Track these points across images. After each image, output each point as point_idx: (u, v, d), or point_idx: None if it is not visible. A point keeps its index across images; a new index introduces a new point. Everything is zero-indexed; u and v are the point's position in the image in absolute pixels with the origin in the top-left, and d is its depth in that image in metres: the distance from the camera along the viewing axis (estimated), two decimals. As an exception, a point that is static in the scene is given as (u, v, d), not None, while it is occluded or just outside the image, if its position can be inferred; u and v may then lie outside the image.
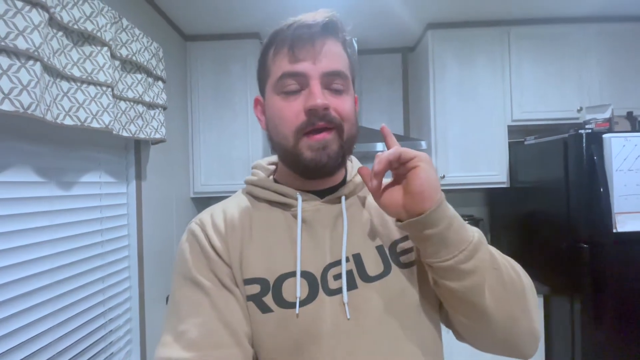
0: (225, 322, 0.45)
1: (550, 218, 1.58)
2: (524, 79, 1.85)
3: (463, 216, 1.77)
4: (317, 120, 0.46)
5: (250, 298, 0.47)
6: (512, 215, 1.91)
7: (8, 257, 0.87)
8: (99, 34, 1.04)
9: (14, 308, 0.87)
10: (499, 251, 0.50)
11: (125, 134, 1.21)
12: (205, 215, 0.54)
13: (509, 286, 0.46)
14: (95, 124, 1.03)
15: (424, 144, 1.78)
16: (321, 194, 0.54)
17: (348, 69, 0.51)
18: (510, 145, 1.87)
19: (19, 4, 0.79)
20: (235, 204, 0.56)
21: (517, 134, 1.96)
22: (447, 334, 0.54)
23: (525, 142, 1.79)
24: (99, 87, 1.05)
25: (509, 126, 1.87)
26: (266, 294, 0.47)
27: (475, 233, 0.45)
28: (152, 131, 1.35)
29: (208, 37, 1.92)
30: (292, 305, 0.46)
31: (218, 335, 0.44)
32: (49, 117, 0.89)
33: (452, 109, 1.88)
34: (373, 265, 0.51)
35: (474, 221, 1.87)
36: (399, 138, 1.78)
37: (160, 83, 1.41)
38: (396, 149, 0.43)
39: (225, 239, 0.50)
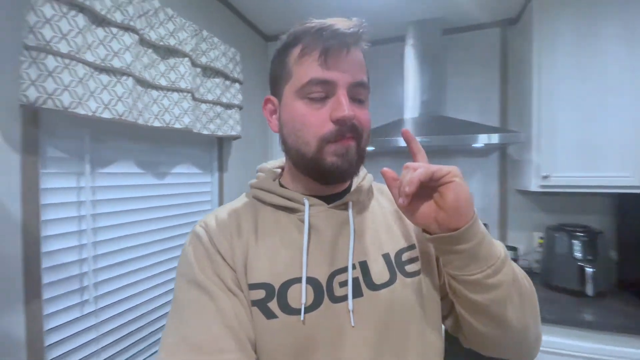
0: (229, 327, 0.45)
1: None
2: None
3: (575, 226, 1.45)
4: (347, 131, 0.47)
5: (255, 303, 0.47)
6: (651, 231, 1.43)
7: (113, 232, 1.12)
8: (180, 47, 1.20)
9: (117, 272, 1.12)
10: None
11: (205, 132, 1.39)
12: (210, 218, 0.54)
13: (525, 296, 0.48)
14: (177, 125, 1.22)
15: (521, 136, 1.48)
16: (328, 199, 0.54)
17: (367, 80, 0.52)
18: (654, 138, 1.39)
19: (114, 30, 0.98)
20: (241, 208, 0.56)
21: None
22: None
23: (679, 134, 1.30)
24: (180, 93, 1.23)
25: (653, 113, 1.39)
26: (271, 299, 0.47)
27: (501, 248, 0.46)
28: (229, 129, 1.51)
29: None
30: (297, 312, 0.46)
31: (222, 340, 0.43)
32: (140, 121, 1.09)
33: (563, 93, 1.51)
34: (379, 273, 0.51)
35: (590, 234, 1.48)
36: (493, 130, 1.53)
37: (237, 85, 1.56)
38: (427, 168, 0.42)
39: (230, 242, 0.50)
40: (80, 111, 0.89)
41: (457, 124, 1.69)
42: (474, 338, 0.53)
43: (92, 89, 0.93)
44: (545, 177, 1.53)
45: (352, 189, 0.57)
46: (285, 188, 0.56)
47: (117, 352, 1.12)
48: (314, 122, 0.48)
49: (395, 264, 0.52)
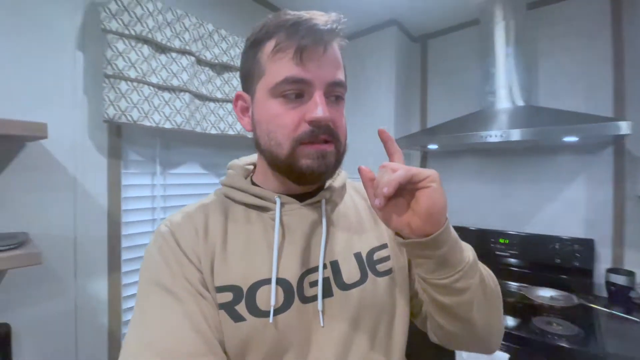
0: (198, 330, 0.42)
1: None
2: None
3: None
4: (321, 133, 0.45)
5: (222, 306, 0.45)
6: None
7: (179, 223, 1.33)
8: (232, 63, 1.36)
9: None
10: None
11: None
12: (176, 217, 0.51)
13: (490, 296, 0.48)
14: (230, 132, 1.38)
15: (624, 125, 1.12)
16: (301, 197, 0.53)
17: (345, 78, 0.51)
18: None
19: (174, 55, 1.18)
20: (210, 206, 0.53)
21: None
22: None
23: None
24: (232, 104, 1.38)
25: None
26: (239, 302, 0.45)
27: (470, 252, 0.46)
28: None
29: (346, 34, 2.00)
30: (266, 314, 0.44)
31: (191, 344, 0.41)
32: (198, 129, 1.28)
33: None
34: (350, 273, 0.50)
35: None
36: (600, 119, 1.20)
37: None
38: (407, 171, 0.40)
39: (196, 243, 0.48)
40: (146, 123, 1.11)
41: (548, 114, 1.39)
42: (441, 335, 0.53)
43: (156, 105, 1.14)
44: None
45: (326, 186, 0.55)
46: (257, 186, 0.54)
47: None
48: (288, 123, 0.45)
49: (366, 263, 0.52)
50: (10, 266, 0.71)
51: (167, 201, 1.30)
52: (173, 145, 1.32)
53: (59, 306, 0.99)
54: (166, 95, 1.17)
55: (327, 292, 0.48)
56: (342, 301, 0.48)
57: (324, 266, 0.49)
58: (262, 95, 0.47)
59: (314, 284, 0.48)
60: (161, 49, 1.15)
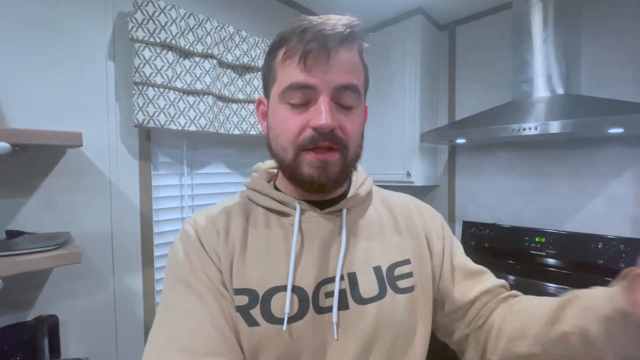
0: (219, 328, 0.43)
1: None
2: None
3: None
4: (322, 140, 0.45)
5: (237, 309, 0.45)
6: None
7: (207, 220, 1.39)
8: (253, 64, 1.38)
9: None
10: None
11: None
12: (200, 216, 0.53)
13: None
14: (252, 132, 1.40)
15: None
16: (323, 204, 0.52)
17: (362, 81, 0.49)
18: None
19: (197, 59, 1.22)
20: (233, 208, 0.54)
21: None
22: None
23: None
24: (254, 104, 1.40)
25: None
26: (254, 306, 0.45)
27: None
28: (305, 130, 1.62)
29: (368, 29, 1.95)
30: (279, 321, 0.44)
31: (212, 342, 0.42)
32: (222, 131, 1.31)
33: None
34: (368, 287, 0.48)
35: None
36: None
37: (313, 88, 1.64)
38: None
39: (218, 243, 0.49)
40: (172, 127, 1.16)
41: (590, 104, 1.28)
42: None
43: (182, 109, 1.19)
44: None
45: (349, 194, 0.54)
46: (280, 191, 0.54)
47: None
48: (293, 127, 0.46)
49: (386, 279, 0.49)
50: (53, 265, 0.78)
51: (194, 200, 1.36)
52: (199, 146, 1.38)
53: (100, 299, 1.08)
54: (190, 99, 1.21)
55: (343, 305, 0.46)
56: (358, 315, 0.46)
57: (341, 277, 0.47)
58: (274, 101, 0.49)
59: (329, 294, 0.46)
60: (185, 54, 1.19)
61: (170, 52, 1.15)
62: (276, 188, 0.56)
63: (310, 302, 0.46)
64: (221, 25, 1.29)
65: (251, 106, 1.40)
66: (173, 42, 1.14)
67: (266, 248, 0.49)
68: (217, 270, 0.47)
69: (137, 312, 1.17)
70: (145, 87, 1.10)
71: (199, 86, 1.22)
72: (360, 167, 0.58)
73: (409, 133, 1.76)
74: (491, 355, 0.51)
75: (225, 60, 1.31)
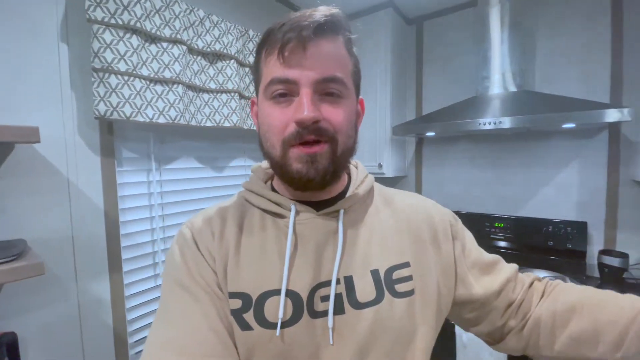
0: (215, 331, 0.43)
1: None
2: None
3: None
4: (306, 134, 0.44)
5: (231, 313, 0.45)
6: None
7: (179, 218, 1.31)
8: (225, 51, 1.30)
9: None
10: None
11: (255, 127, 1.48)
12: (197, 219, 0.52)
13: None
14: (226, 124, 1.33)
15: (626, 112, 1.12)
16: (319, 205, 0.51)
17: (348, 72, 0.47)
18: None
19: (165, 44, 1.12)
20: (229, 209, 0.53)
21: None
22: None
23: None
24: (228, 94, 1.33)
25: None
26: (247, 310, 0.45)
27: None
28: (279, 122, 1.57)
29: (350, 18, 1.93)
30: (273, 326, 0.44)
31: (208, 343, 0.42)
32: (193, 123, 1.23)
33: None
34: (364, 291, 0.46)
35: None
36: (596, 105, 1.21)
37: (287, 78, 1.60)
38: None
39: (212, 245, 0.49)
40: (140, 119, 1.06)
41: (543, 100, 1.39)
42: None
43: (149, 99, 1.09)
44: (672, 165, 1.14)
45: (348, 194, 0.52)
46: (276, 192, 0.53)
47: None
48: (278, 124, 0.45)
49: (384, 282, 0.48)
50: (12, 279, 0.68)
51: (164, 197, 1.27)
52: (167, 139, 1.28)
53: (63, 310, 0.97)
54: (158, 88, 1.11)
55: (339, 309, 0.45)
56: (354, 320, 0.45)
57: (337, 281, 0.46)
58: (261, 99, 0.48)
59: (325, 298, 0.45)
60: (151, 38, 1.09)
61: (134, 35, 1.04)
62: (273, 189, 0.55)
63: (304, 306, 0.45)
64: (190, 8, 1.19)
65: (224, 96, 1.32)
66: (138, 24, 1.03)
67: (260, 251, 0.48)
68: (212, 272, 0.47)
69: (105, 321, 1.08)
70: (106, 75, 0.99)
71: (167, 74, 1.12)
72: (361, 164, 0.58)
73: (380, 125, 1.79)
74: (544, 350, 0.52)
75: (196, 47, 1.22)
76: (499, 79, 1.55)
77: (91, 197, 1.04)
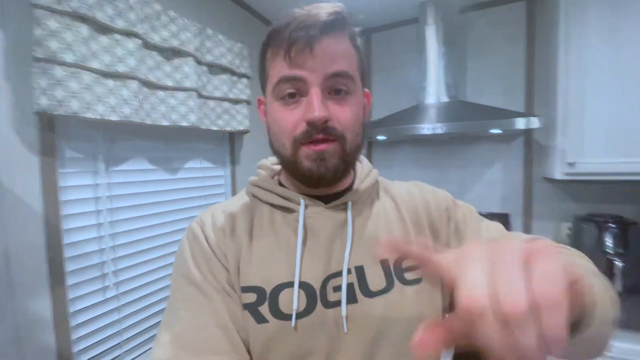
0: (224, 328, 0.44)
1: None
2: None
3: (605, 216, 1.33)
4: (316, 133, 0.45)
5: (245, 307, 0.46)
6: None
7: (130, 224, 1.21)
8: (183, 48, 1.25)
9: (135, 260, 1.22)
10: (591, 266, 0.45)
11: (214, 127, 1.44)
12: (207, 215, 0.53)
13: (613, 311, 0.40)
14: (183, 123, 1.28)
15: (536, 120, 1.36)
16: (327, 199, 0.52)
17: (355, 66, 0.48)
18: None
19: (118, 37, 1.04)
20: (237, 205, 0.55)
21: None
22: None
23: None
24: (186, 92, 1.28)
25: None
26: (262, 303, 0.46)
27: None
28: (237, 124, 1.55)
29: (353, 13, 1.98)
30: (288, 317, 0.45)
31: (216, 341, 0.43)
32: (148, 121, 1.15)
33: (593, 71, 1.36)
34: (375, 280, 0.48)
35: (622, 224, 1.35)
36: (515, 114, 1.42)
37: (244, 80, 1.59)
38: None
39: (224, 242, 0.49)
40: (89, 115, 0.97)
41: (474, 109, 1.60)
42: None
43: (99, 94, 1.00)
44: (571, 164, 1.41)
45: (354, 187, 0.54)
46: (284, 187, 0.55)
47: (138, 332, 1.23)
48: (288, 124, 0.46)
49: (393, 271, 0.49)
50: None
51: (113, 202, 1.16)
52: (118, 138, 1.18)
53: (-6, 334, 0.84)
54: (110, 82, 1.03)
55: (351, 298, 0.46)
56: (367, 309, 0.46)
57: (349, 271, 0.47)
58: (269, 98, 0.49)
59: (337, 288, 0.46)
60: (102, 29, 1.00)
61: (84, 24, 0.95)
62: (280, 184, 0.56)
63: (318, 297, 0.46)
64: (145, 0, 1.12)
65: (181, 94, 1.26)
66: (88, 13, 0.94)
67: (272, 245, 0.49)
68: (223, 268, 0.48)
69: (46, 343, 0.95)
70: (50, 66, 0.88)
71: (121, 68, 1.04)
72: (365, 159, 0.61)
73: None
74: None
75: (151, 41, 1.15)
76: (436, 90, 1.74)
77: (29, 202, 0.92)
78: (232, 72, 1.51)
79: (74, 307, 1.03)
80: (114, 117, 1.03)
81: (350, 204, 0.52)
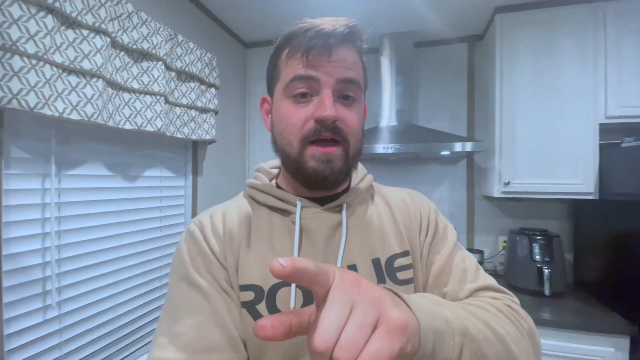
0: (222, 326, 0.45)
1: (650, 242, 1.24)
2: (626, 65, 1.47)
3: (535, 230, 1.54)
4: (325, 131, 0.46)
5: (243, 305, 0.47)
6: (600, 235, 1.54)
7: (80, 235, 1.10)
8: (154, 51, 1.21)
9: (84, 275, 1.10)
10: (480, 312, 0.42)
11: (179, 135, 1.39)
12: (205, 216, 0.54)
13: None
14: (149, 128, 1.22)
15: (483, 144, 1.56)
16: (323, 201, 0.54)
17: (361, 78, 0.51)
18: (602, 147, 1.51)
19: (85, 32, 0.98)
20: (235, 207, 0.55)
21: (613, 134, 1.57)
22: None
23: (622, 145, 1.42)
24: (153, 97, 1.23)
25: (600, 124, 1.51)
26: (260, 302, 0.46)
27: (455, 341, 0.35)
28: (203, 133, 1.52)
29: (266, 42, 2.04)
30: None
31: (214, 339, 0.44)
32: (111, 123, 1.08)
33: (523, 104, 1.62)
34: (367, 279, 0.49)
35: (547, 237, 1.58)
36: (459, 139, 1.61)
37: (212, 89, 1.57)
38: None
39: (223, 242, 0.50)
40: (47, 112, 0.89)
41: (427, 133, 1.77)
42: None
43: (60, 90, 0.92)
44: (507, 184, 1.62)
45: (349, 190, 0.56)
46: (281, 189, 0.56)
47: (82, 359, 1.09)
48: (296, 121, 0.47)
49: (385, 270, 0.51)
50: None
51: (63, 210, 1.05)
52: (74, 140, 1.08)
53: None
54: (73, 79, 0.96)
55: None
56: None
57: None
58: (278, 97, 0.51)
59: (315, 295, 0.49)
60: (69, 22, 0.94)
61: (50, 15, 0.88)
62: (278, 186, 0.58)
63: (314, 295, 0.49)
64: (117, -1, 1.08)
65: (148, 99, 1.21)
66: (56, 4, 0.88)
67: (270, 245, 0.51)
68: (222, 268, 0.49)
69: (-29, 372, 0.80)
70: (8, 55, 0.80)
71: (86, 65, 0.97)
72: (360, 164, 0.62)
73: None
74: None
75: (120, 41, 1.10)
76: (390, 115, 1.90)
77: (-37, 205, 0.80)
78: (201, 81, 1.49)
79: (8, 329, 0.89)
80: (74, 116, 0.95)
81: (345, 206, 0.54)
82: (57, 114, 0.91)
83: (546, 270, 1.50)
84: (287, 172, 0.54)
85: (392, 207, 0.58)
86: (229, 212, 0.54)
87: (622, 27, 1.47)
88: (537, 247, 1.58)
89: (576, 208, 1.75)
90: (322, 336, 0.25)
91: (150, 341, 1.37)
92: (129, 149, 1.29)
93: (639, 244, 1.29)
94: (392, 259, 0.52)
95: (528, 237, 1.61)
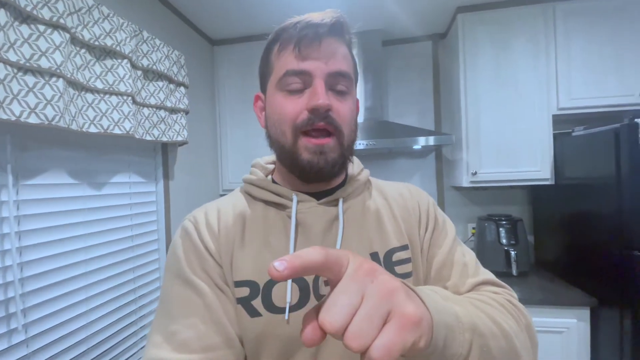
0: (217, 323, 0.45)
1: (600, 220, 1.38)
2: (574, 62, 1.62)
3: (500, 216, 1.65)
4: (318, 120, 0.46)
5: (239, 301, 0.47)
6: (557, 216, 1.69)
7: (45, 250, 1.00)
8: (118, 48, 1.13)
9: (51, 294, 1.00)
10: (485, 307, 0.42)
11: (148, 137, 1.31)
12: (199, 213, 0.53)
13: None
14: (117, 131, 1.14)
15: (452, 138, 1.65)
16: (319, 195, 0.53)
17: (352, 71, 0.51)
18: (556, 137, 1.65)
19: (41, 28, 0.89)
20: (231, 203, 0.55)
21: (565, 124, 1.73)
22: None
23: (573, 134, 1.57)
24: (120, 97, 1.15)
25: (554, 116, 1.65)
26: (255, 297, 0.46)
27: (465, 336, 0.34)
28: (174, 134, 1.45)
29: (234, 40, 1.98)
30: (281, 311, 0.45)
31: (210, 337, 0.43)
32: (74, 127, 1.00)
33: (485, 99, 1.72)
34: None
35: (512, 222, 1.71)
36: (429, 133, 1.68)
37: (182, 88, 1.50)
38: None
39: (217, 239, 0.50)
40: (2, 115, 0.80)
41: (398, 128, 1.82)
42: None
43: (16, 91, 0.83)
44: (474, 174, 1.72)
45: (346, 184, 0.56)
46: (277, 184, 0.55)
47: (53, 384, 1.00)
48: (290, 111, 0.47)
49: (383, 264, 0.50)
50: None
51: (22, 224, 0.95)
52: (31, 146, 0.98)
53: None
54: (30, 79, 0.87)
55: None
56: None
57: None
58: (271, 91, 0.51)
59: (328, 282, 0.48)
60: (24, 17, 0.85)
61: (2, 10, 0.79)
62: (274, 182, 0.57)
63: (311, 290, 0.47)
64: (76, -9, 0.99)
65: (114, 99, 1.13)
66: (7, -5, 0.79)
67: (265, 240, 0.51)
68: (216, 265, 0.48)
69: None
70: (-48, 51, 0.71)
71: (44, 64, 0.89)
72: (356, 159, 0.63)
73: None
74: None
75: (80, 37, 1.01)
76: (361, 112, 1.93)
77: None
78: (170, 80, 1.42)
79: (-34, 362, 0.79)
80: (33, 120, 0.87)
81: (341, 200, 0.53)
82: (13, 118, 0.82)
83: (513, 252, 1.62)
84: (282, 166, 0.54)
85: (390, 201, 0.58)
86: (224, 208, 0.54)
87: (570, 27, 1.61)
88: (504, 231, 1.70)
89: (535, 193, 1.90)
90: (331, 320, 0.24)
91: (128, 358, 1.28)
92: (94, 154, 1.20)
93: (591, 222, 1.44)
94: (390, 252, 0.52)
95: (495, 222, 1.72)
